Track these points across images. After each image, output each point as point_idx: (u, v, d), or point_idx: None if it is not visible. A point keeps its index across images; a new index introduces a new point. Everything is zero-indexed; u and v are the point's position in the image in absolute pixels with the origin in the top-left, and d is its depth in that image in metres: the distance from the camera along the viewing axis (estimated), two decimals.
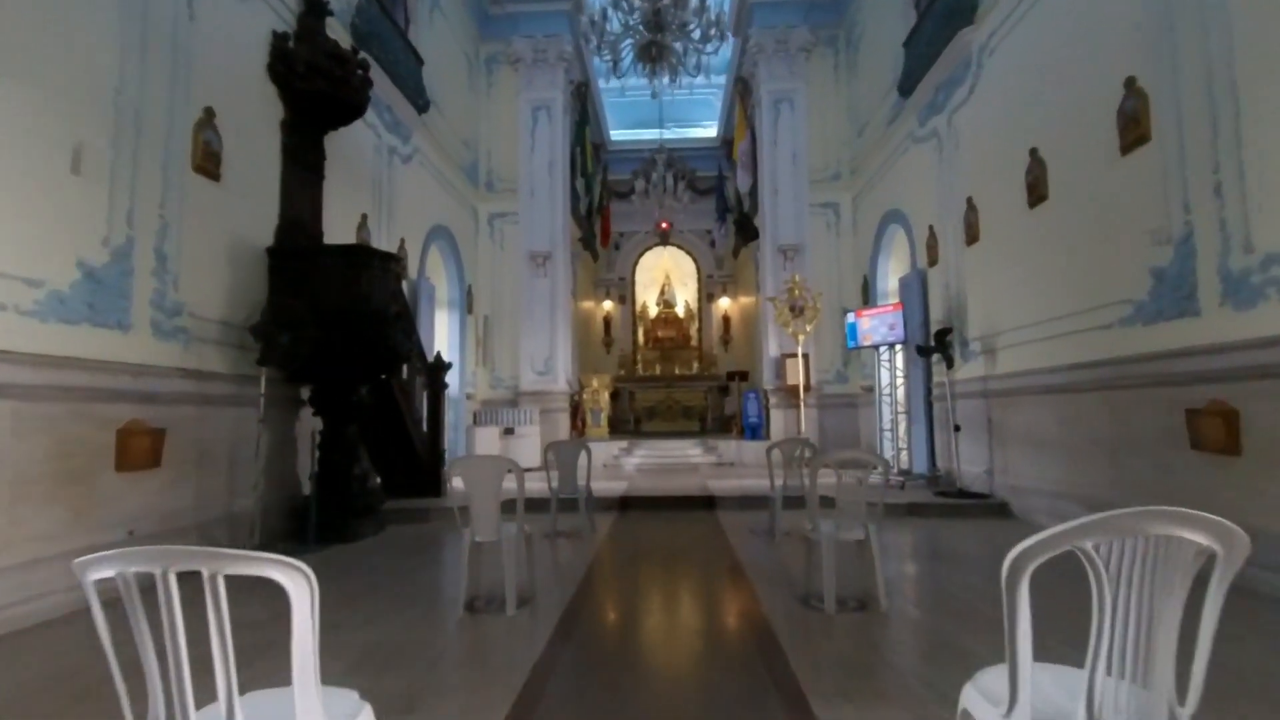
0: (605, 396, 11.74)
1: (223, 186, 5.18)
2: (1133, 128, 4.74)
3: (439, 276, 10.45)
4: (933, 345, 7.23)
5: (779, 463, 6.09)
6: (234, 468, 5.21)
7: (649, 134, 17.59)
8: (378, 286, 5.88)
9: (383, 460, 7.41)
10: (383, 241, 7.95)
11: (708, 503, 7.39)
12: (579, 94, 13.12)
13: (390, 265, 6.06)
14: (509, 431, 10.90)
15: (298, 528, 5.76)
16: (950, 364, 7.05)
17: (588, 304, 17.32)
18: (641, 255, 18.23)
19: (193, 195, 4.86)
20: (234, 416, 5.23)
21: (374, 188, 7.87)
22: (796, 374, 10.88)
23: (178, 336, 4.69)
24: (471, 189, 11.55)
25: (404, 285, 8.42)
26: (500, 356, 11.75)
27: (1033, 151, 6.04)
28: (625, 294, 18.11)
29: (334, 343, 5.59)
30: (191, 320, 4.83)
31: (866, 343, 8.66)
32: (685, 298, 18.17)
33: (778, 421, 11.26)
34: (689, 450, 11.77)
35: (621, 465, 11.34)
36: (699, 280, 18.15)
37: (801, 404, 10.66)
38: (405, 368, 7.28)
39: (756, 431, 11.52)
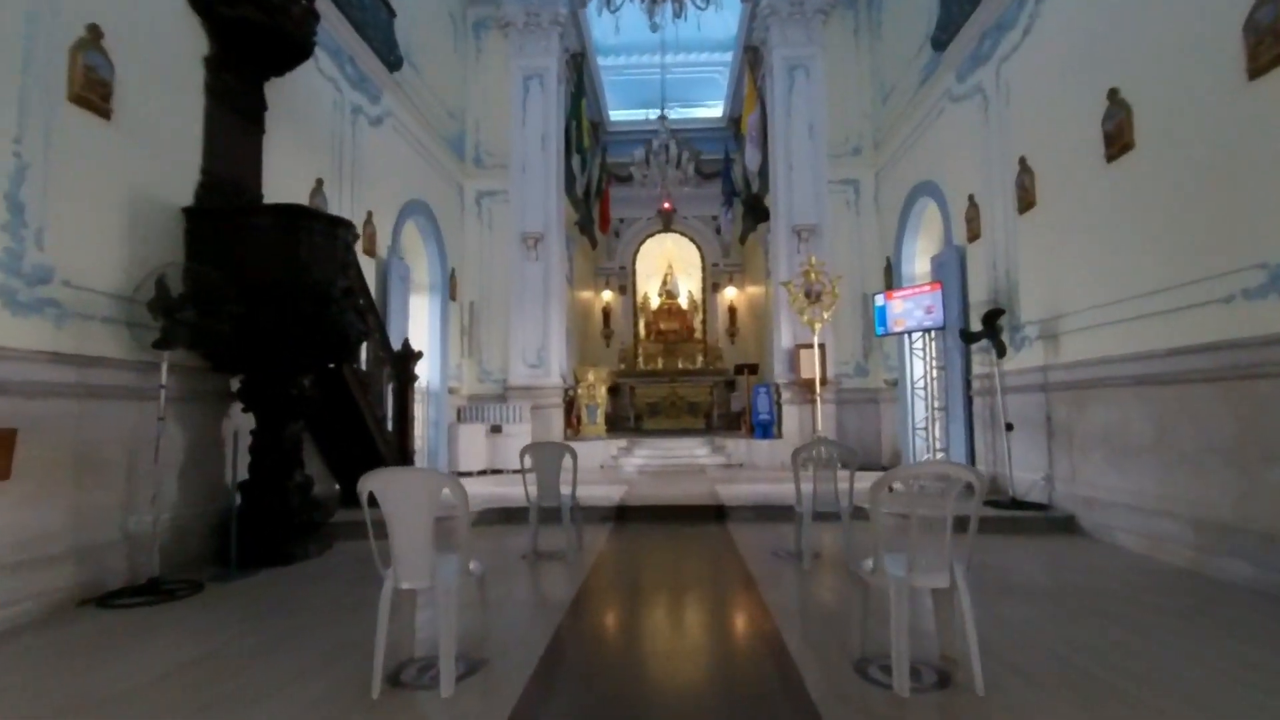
0: (603, 391, 10.69)
1: (115, 126, 4.12)
2: (1272, 42, 3.66)
3: (417, 257, 9.40)
4: (980, 330, 6.15)
5: (802, 469, 5.01)
6: (135, 478, 4.17)
7: (652, 114, 16.52)
8: (321, 255, 4.83)
9: (342, 464, 6.38)
10: (344, 212, 6.90)
11: (718, 513, 6.33)
12: (575, 64, 12.04)
13: (340, 231, 5.00)
14: (496, 430, 9.87)
15: (222, 548, 4.73)
16: (1001, 352, 5.97)
17: (586, 294, 16.26)
18: (643, 243, 17.15)
19: (69, 132, 3.81)
20: (134, 413, 4.18)
21: (334, 149, 6.82)
22: (812, 366, 9.81)
23: (43, 310, 3.63)
24: (457, 163, 10.50)
25: (372, 263, 7.37)
26: (488, 347, 10.70)
27: (1112, 94, 4.95)
28: (626, 284, 17.04)
29: (262, 322, 4.54)
30: (67, 291, 3.78)
31: (897, 329, 7.55)
32: (689, 288, 17.09)
33: (791, 419, 10.19)
34: (694, 450, 10.72)
35: (620, 467, 10.29)
36: (703, 269, 17.07)
37: (818, 399, 9.59)
38: (367, 357, 6.24)
39: (768, 430, 10.46)
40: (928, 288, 6.97)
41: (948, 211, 7.81)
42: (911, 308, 7.14)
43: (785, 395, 10.24)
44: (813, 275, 9.58)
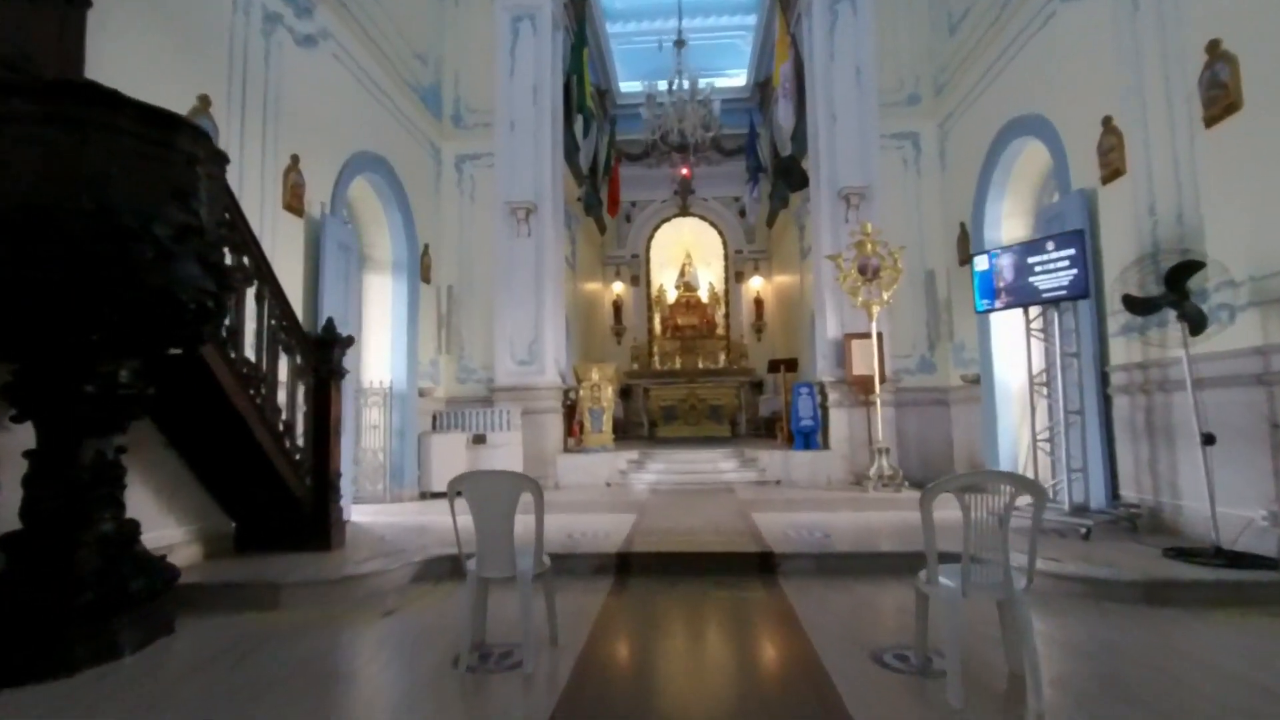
0: (609, 393, 8.75)
1: None
2: None
3: (374, 228, 7.54)
4: (1160, 295, 4.12)
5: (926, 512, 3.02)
6: None
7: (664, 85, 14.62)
8: (133, 171, 2.93)
9: (235, 493, 4.50)
10: (251, 150, 5.04)
11: (763, 563, 4.34)
12: (575, 8, 10.15)
13: (177, 140, 3.11)
14: (479, 440, 7.96)
15: None
16: (1198, 326, 3.94)
17: (593, 285, 14.35)
18: (657, 228, 15.21)
19: None
20: None
21: (232, 61, 4.95)
22: (868, 360, 7.81)
23: None
24: (431, 122, 8.63)
25: (298, 223, 5.49)
26: (470, 341, 8.80)
27: None
28: (638, 274, 15.11)
29: (26, 275, 2.69)
30: None
31: (1007, 302, 5.36)
32: (709, 279, 15.13)
33: (840, 425, 8.18)
34: (720, 463, 8.73)
35: (630, 484, 8.33)
36: (725, 257, 15.09)
37: (877, 401, 7.58)
38: (267, 342, 4.35)
39: (811, 438, 8.44)
40: (1050, 245, 4.90)
41: (1061, 150, 5.78)
42: (1037, 270, 5.04)
43: (832, 396, 8.24)
44: (868, 247, 7.59)
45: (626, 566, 4.37)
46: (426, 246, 8.21)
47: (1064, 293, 4.81)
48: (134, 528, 3.26)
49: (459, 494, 2.85)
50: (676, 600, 3.85)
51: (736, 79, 15.12)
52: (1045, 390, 5.23)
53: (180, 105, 4.37)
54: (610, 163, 13.29)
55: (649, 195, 14.88)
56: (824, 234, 8.47)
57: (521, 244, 8.62)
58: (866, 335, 8.04)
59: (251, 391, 4.06)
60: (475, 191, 8.95)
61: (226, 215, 3.87)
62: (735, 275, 14.95)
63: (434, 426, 8.11)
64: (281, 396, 4.47)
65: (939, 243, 8.36)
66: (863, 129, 8.46)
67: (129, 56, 4.01)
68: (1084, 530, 4.47)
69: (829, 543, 4.65)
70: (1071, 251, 4.76)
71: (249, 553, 4.55)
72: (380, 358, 7.51)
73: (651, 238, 15.15)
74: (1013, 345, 7.06)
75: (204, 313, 3.23)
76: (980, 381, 7.33)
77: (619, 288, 14.89)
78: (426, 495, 7.58)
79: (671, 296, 14.84)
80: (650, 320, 14.92)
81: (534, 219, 8.65)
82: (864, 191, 8.29)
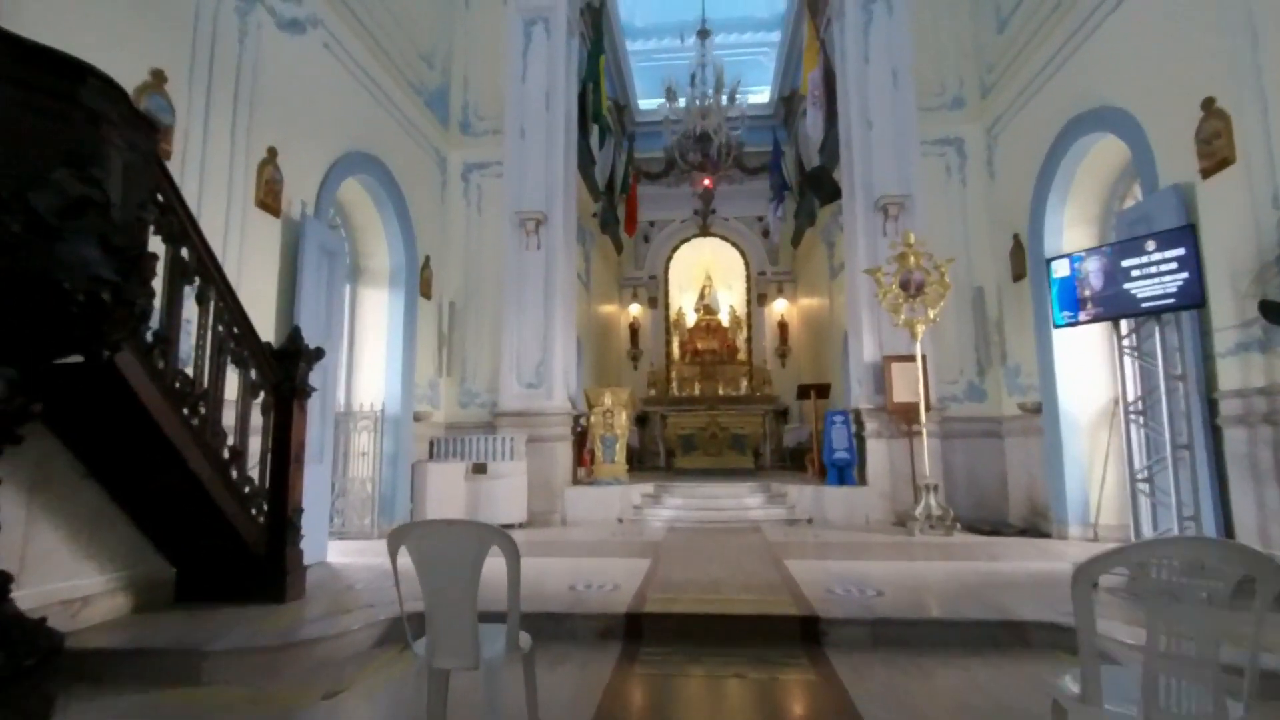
0: (623, 419, 7.97)
1: None
2: None
3: (370, 236, 6.92)
4: None
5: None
6: None
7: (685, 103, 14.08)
8: (8, 124, 2.29)
9: (167, 537, 3.77)
10: (211, 135, 4.42)
11: (806, 631, 3.50)
12: (592, 14, 9.64)
13: (76, 90, 2.45)
14: (479, 470, 7.21)
15: None
16: None
17: (609, 307, 13.66)
18: (676, 249, 14.55)
19: None
20: None
21: (198, 36, 4.36)
22: (911, 386, 6.97)
23: None
24: (436, 127, 8.06)
25: (275, 224, 4.85)
26: (473, 361, 8.10)
27: None
28: (656, 296, 14.41)
29: None
30: None
31: (1092, 315, 4.51)
32: (730, 302, 14.39)
33: (879, 457, 7.31)
34: (744, 498, 7.88)
35: (645, 521, 7.50)
36: (748, 279, 14.35)
37: (923, 432, 6.72)
38: (210, 353, 3.65)
39: (846, 472, 7.57)
40: (1151, 244, 4.06)
41: (1145, 143, 4.98)
42: (1136, 273, 4.19)
43: (870, 426, 7.39)
44: (911, 259, 6.80)
45: (637, 631, 3.55)
46: (428, 259, 7.57)
47: (1171, 301, 3.98)
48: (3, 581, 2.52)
49: (408, 547, 2.07)
50: (699, 682, 3.02)
51: (760, 95, 14.56)
52: (1141, 419, 4.35)
53: (129, 78, 3.75)
54: (628, 180, 12.72)
55: (668, 214, 14.26)
56: (859, 248, 7.70)
57: (531, 257, 7.95)
58: (909, 358, 7.21)
59: (186, 410, 3.34)
60: (482, 202, 8.33)
61: (158, 196, 3.21)
62: (758, 298, 14.19)
63: (431, 454, 7.38)
64: (231, 418, 3.76)
65: (988, 257, 7.54)
66: (901, 135, 7.73)
67: (65, 12, 3.41)
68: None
69: (883, 603, 3.79)
70: (1180, 252, 3.94)
71: (191, 604, 3.80)
72: (373, 378, 6.83)
73: (670, 258, 14.49)
74: (1082, 368, 6.21)
75: (99, 307, 2.51)
76: (1042, 410, 6.44)
77: (636, 310, 14.19)
78: None
79: (691, 320, 14.11)
80: (668, 344, 14.17)
81: (544, 230, 7.99)
82: (903, 201, 7.53)
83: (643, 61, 14.63)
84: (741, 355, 13.72)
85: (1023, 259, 6.88)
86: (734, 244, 14.36)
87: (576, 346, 9.01)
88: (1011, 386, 7.18)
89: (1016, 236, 7.00)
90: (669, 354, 14.05)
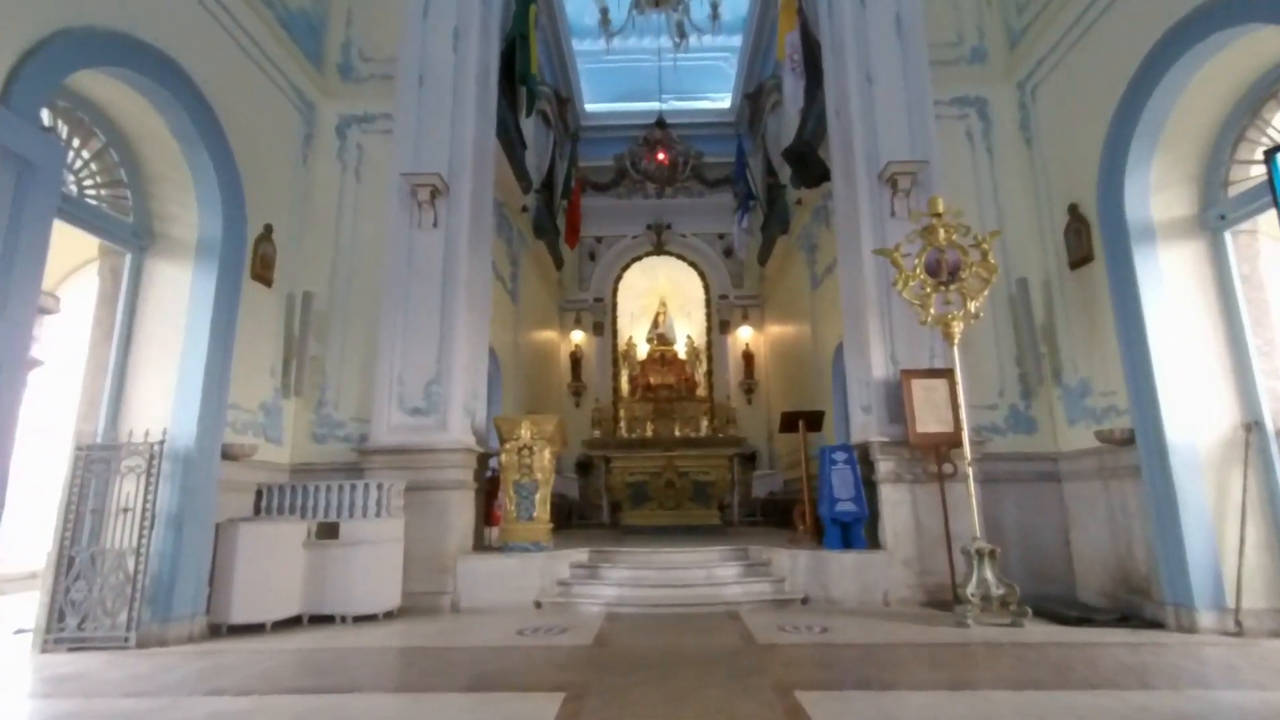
0: (547, 459, 5.68)
1: None
2: None
3: (173, 190, 4.64)
4: None
5: None
6: None
7: (640, 108, 12.40)
8: None
9: None
10: None
11: None
12: None
13: None
14: (327, 533, 4.85)
15: None
16: None
17: (547, 333, 11.49)
18: (626, 268, 12.57)
19: None
20: None
21: None
22: (943, 411, 5.02)
23: None
24: (301, 64, 5.91)
25: None
26: (338, 378, 5.78)
27: None
28: (603, 321, 12.33)
29: None
30: None
31: None
32: (689, 332, 12.41)
33: (899, 510, 5.24)
34: (715, 569, 5.62)
35: (574, 605, 5.17)
36: (708, 303, 12.43)
37: (969, 474, 4.68)
38: None
39: (853, 530, 5.44)
40: None
41: None
42: None
43: (883, 467, 5.33)
44: (941, 234, 4.89)
45: None
46: (268, 230, 5.30)
47: None
48: None
49: None
50: None
51: (720, 102, 12.99)
52: None
53: None
54: (570, 184, 10.80)
55: (617, 229, 12.38)
56: (862, 233, 5.79)
57: (424, 238, 5.79)
58: (939, 373, 5.25)
59: None
60: (363, 166, 6.18)
61: None
62: (720, 325, 12.25)
63: (258, 509, 4.97)
64: None
65: (1030, 242, 5.73)
66: (910, 92, 5.97)
67: None
68: None
69: None
70: None
71: None
72: (157, 393, 4.45)
73: (619, 279, 12.49)
74: (1194, 381, 4.30)
75: None
76: (1137, 442, 4.49)
77: (579, 338, 12.06)
78: (222, 630, 4.36)
79: (643, 351, 12.05)
80: (616, 378, 12.04)
81: (445, 205, 5.86)
82: (917, 170, 5.71)
83: (591, 63, 12.97)
84: (701, 391, 11.66)
85: (1087, 237, 5.05)
86: (692, 264, 12.47)
87: (491, 364, 6.79)
88: (1075, 411, 5.25)
89: (1074, 209, 5.19)
90: (617, 389, 11.91)
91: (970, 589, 4.38)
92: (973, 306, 4.79)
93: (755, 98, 10.99)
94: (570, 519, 9.98)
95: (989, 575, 4.41)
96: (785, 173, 9.79)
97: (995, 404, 5.60)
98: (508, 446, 5.72)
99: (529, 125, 9.56)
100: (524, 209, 8.68)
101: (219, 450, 4.57)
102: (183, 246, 4.69)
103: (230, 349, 4.73)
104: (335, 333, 5.80)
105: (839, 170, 6.42)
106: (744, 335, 12.02)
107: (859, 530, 5.44)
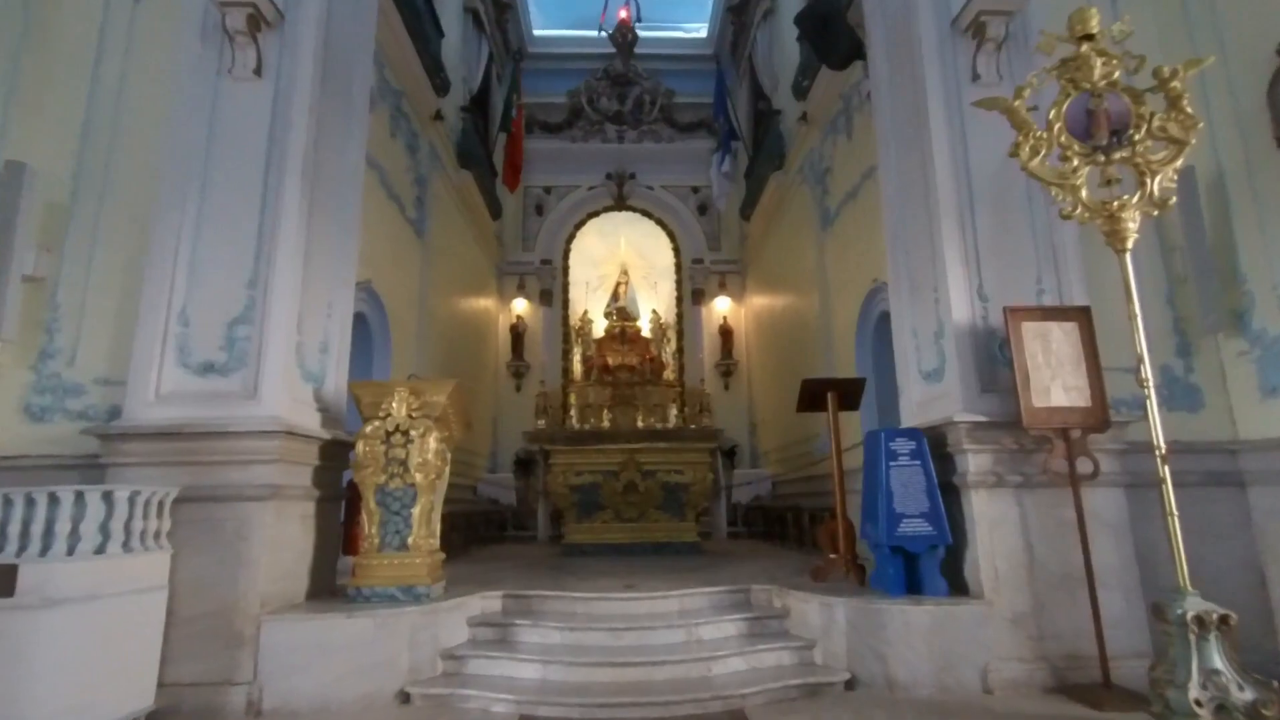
0: (432, 448, 3.48)
1: None
2: None
3: None
4: None
5: None
6: None
7: (600, 36, 10.25)
8: None
9: None
10: None
11: None
12: None
13: None
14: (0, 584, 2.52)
15: None
16: None
17: (480, 301, 9.23)
18: (581, 225, 10.38)
19: None
20: None
21: None
22: (1074, 375, 2.98)
23: None
24: None
25: None
26: (75, 317, 3.47)
27: None
28: (551, 289, 10.14)
29: None
30: None
31: None
32: (655, 305, 10.30)
33: (1002, 532, 3.19)
34: (699, 626, 3.48)
35: (466, 711, 2.96)
36: (678, 269, 10.34)
37: (1166, 484, 2.64)
38: None
39: (925, 565, 3.37)
40: None
41: None
42: None
43: (974, 464, 3.29)
44: (1098, 68, 2.85)
45: None
46: None
47: None
48: None
49: None
50: None
51: (697, 31, 10.92)
52: None
53: None
54: (511, 112, 8.62)
55: (571, 179, 10.19)
56: (931, 104, 3.75)
57: (238, 91, 3.54)
58: (1063, 313, 3.25)
59: None
60: None
61: None
62: (692, 294, 10.17)
63: None
64: None
65: (1198, 109, 3.76)
66: None
67: None
68: None
69: None
70: None
71: None
72: None
73: (572, 238, 10.30)
74: None
75: None
76: None
77: (521, 307, 9.84)
78: None
79: (600, 327, 9.88)
80: (567, 358, 9.86)
81: (275, 41, 3.63)
82: (1013, 10, 3.70)
83: None
84: (670, 373, 9.57)
85: None
86: (660, 222, 10.35)
87: (374, 312, 4.56)
88: (1273, 375, 3.29)
89: None
90: (568, 371, 9.73)
91: (1192, 688, 2.34)
92: (1155, 187, 2.77)
93: (740, 10, 8.94)
94: (504, 532, 7.77)
95: (1219, 661, 2.38)
96: (780, 96, 7.77)
97: (1133, 366, 3.61)
98: (368, 430, 3.48)
99: (455, 23, 7.34)
100: (437, 115, 6.42)
101: None
102: None
103: None
104: (78, 239, 3.48)
105: (882, 33, 4.39)
106: (721, 307, 9.97)
107: (933, 565, 3.37)
